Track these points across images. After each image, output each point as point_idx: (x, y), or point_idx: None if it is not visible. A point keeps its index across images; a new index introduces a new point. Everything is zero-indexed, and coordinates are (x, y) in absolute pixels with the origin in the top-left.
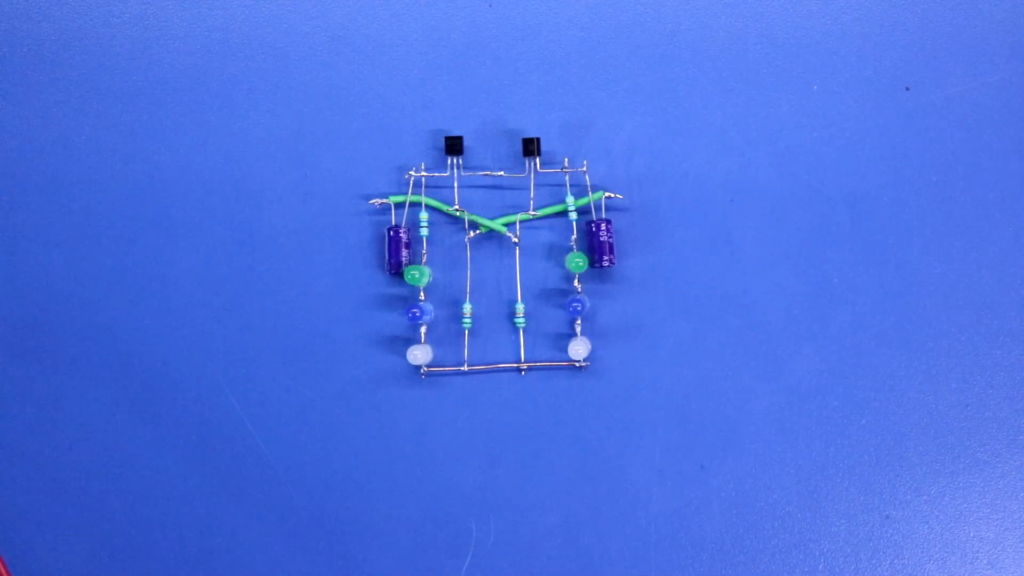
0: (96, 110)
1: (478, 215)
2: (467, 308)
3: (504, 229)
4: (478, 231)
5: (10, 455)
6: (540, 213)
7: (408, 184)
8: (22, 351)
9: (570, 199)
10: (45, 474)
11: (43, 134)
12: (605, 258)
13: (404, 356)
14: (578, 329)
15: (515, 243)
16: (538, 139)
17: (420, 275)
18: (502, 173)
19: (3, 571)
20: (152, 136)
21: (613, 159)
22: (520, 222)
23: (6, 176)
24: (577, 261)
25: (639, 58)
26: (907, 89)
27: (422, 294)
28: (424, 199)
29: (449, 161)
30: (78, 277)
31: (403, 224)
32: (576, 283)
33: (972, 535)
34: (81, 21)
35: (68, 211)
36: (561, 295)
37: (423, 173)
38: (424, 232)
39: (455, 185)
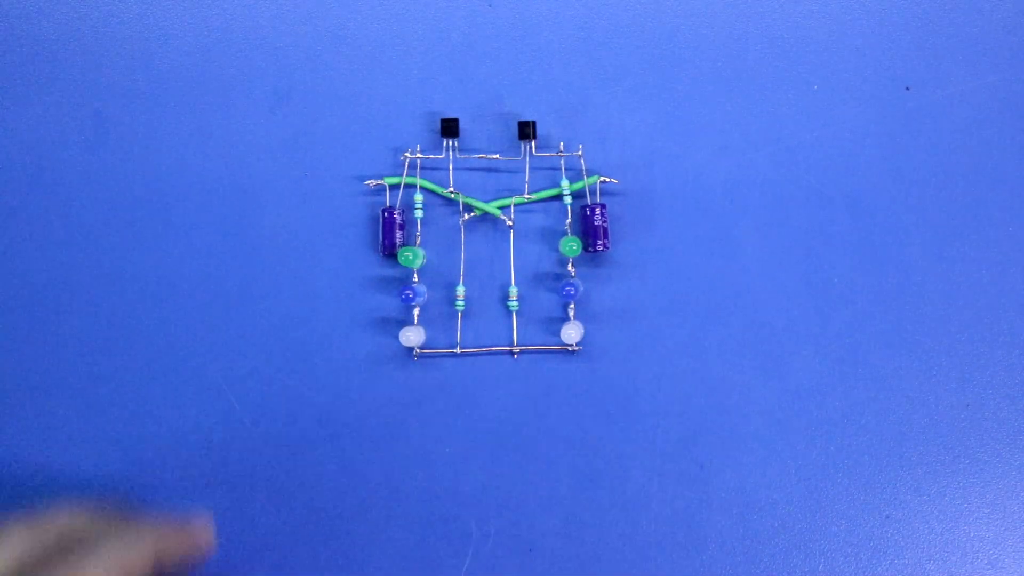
0: (95, 109)
1: (473, 198)
2: (460, 291)
3: (498, 212)
4: (472, 213)
5: (10, 455)
6: (535, 196)
7: (403, 166)
8: (22, 350)
9: (565, 183)
10: (45, 474)
11: (43, 134)
12: (599, 242)
13: (397, 337)
14: (571, 313)
15: (509, 226)
16: (534, 122)
17: (414, 257)
18: (497, 156)
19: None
20: (150, 128)
21: (613, 159)
22: (515, 205)
23: (6, 176)
24: (571, 245)
25: (639, 58)
26: (907, 89)
27: (415, 276)
28: (419, 180)
29: (445, 143)
30: (70, 264)
31: (398, 205)
32: (570, 267)
33: (972, 535)
34: (81, 21)
35: (66, 204)
36: (555, 279)
37: (418, 155)
38: (419, 214)
39: (450, 167)
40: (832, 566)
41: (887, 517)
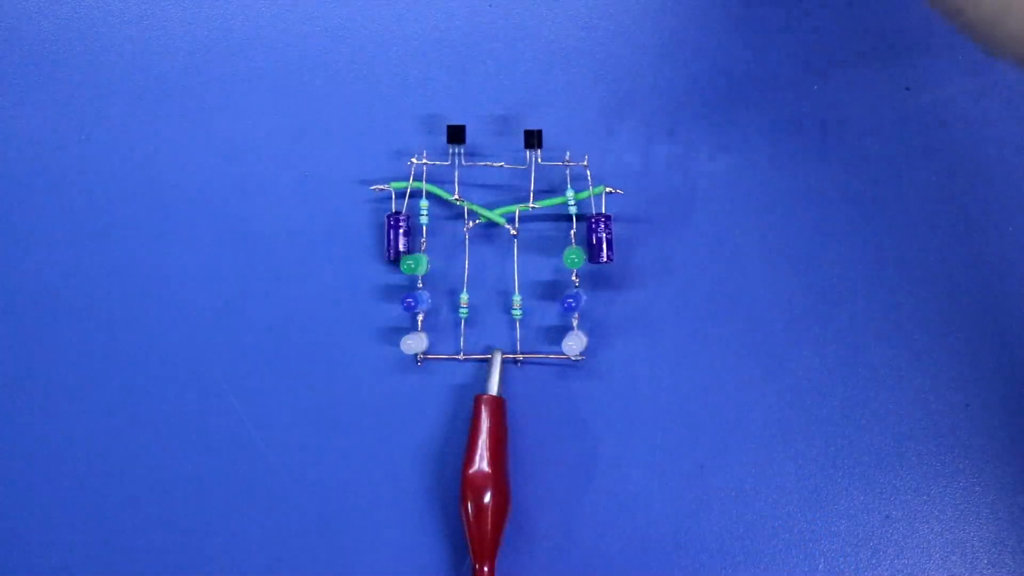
0: (95, 109)
1: (477, 205)
2: (464, 298)
3: (502, 220)
4: (477, 221)
5: (10, 455)
6: (539, 204)
7: (403, 169)
8: (22, 350)
9: (570, 192)
10: (44, 474)
11: (43, 134)
12: (603, 254)
13: (400, 345)
14: (575, 323)
15: (513, 235)
16: (540, 131)
17: (416, 264)
18: (503, 164)
19: None
20: (150, 128)
21: (613, 158)
22: (519, 214)
23: (6, 176)
24: (573, 256)
25: (640, 59)
26: (907, 89)
27: (420, 282)
28: (424, 185)
29: (451, 150)
30: (68, 265)
31: (404, 211)
32: (574, 277)
33: (972, 535)
34: (81, 20)
35: (67, 205)
36: (558, 289)
37: (424, 161)
38: (424, 220)
39: (456, 174)
40: (832, 566)
41: (887, 517)
